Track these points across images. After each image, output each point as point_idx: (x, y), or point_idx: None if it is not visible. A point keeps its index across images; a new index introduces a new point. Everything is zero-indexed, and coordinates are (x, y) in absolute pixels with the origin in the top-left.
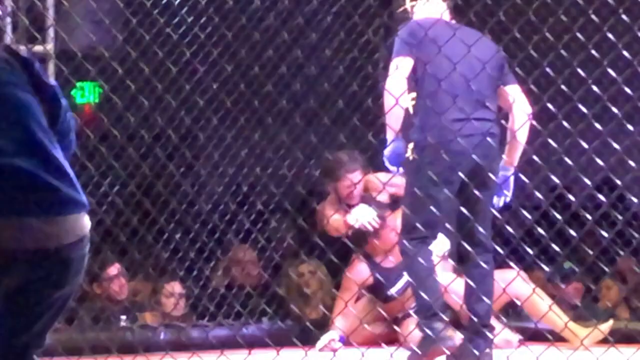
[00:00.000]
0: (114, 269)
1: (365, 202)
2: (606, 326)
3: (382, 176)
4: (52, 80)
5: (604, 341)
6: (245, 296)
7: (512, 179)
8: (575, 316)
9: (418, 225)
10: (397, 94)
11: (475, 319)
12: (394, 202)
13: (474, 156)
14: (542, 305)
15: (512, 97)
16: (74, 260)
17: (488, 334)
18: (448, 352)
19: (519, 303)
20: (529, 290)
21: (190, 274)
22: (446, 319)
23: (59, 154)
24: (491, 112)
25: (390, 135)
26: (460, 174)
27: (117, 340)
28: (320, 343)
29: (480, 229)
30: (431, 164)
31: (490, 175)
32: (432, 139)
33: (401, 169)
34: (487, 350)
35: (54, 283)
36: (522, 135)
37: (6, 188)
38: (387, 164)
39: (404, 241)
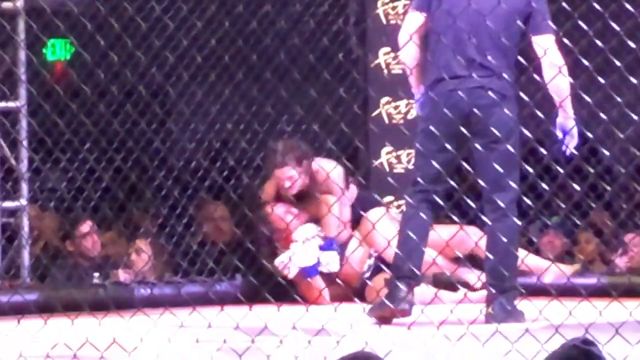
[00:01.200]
0: (86, 226)
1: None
2: (573, 268)
3: (325, 164)
4: None
5: (577, 295)
6: (217, 252)
7: (573, 130)
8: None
9: (417, 177)
10: (401, 48)
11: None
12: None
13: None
14: None
15: (539, 48)
16: None
17: (492, 290)
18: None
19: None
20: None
21: (163, 230)
22: (416, 284)
23: None
24: (486, 69)
25: (413, 87)
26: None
27: (89, 298)
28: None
29: (483, 184)
30: (423, 119)
31: (486, 127)
32: (424, 95)
33: None
34: (496, 309)
35: None
36: (555, 88)
37: None
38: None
39: (405, 195)
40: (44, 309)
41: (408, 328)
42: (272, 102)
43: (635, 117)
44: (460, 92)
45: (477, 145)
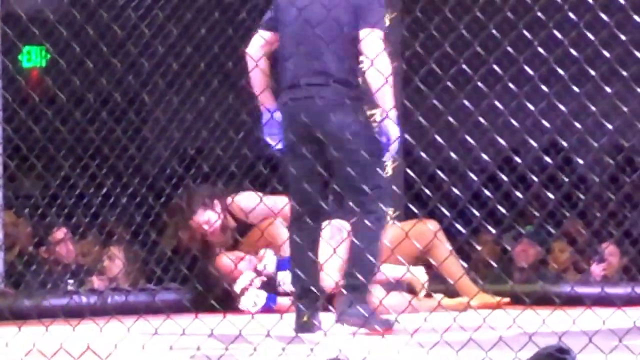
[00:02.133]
0: (60, 233)
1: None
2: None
3: (241, 198)
4: None
5: (550, 303)
6: (191, 260)
7: (387, 124)
8: (522, 278)
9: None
10: (249, 69)
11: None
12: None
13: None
14: (456, 270)
15: (363, 43)
16: None
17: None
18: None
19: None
20: (445, 251)
21: (137, 237)
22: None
23: None
24: (322, 74)
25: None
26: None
27: (63, 305)
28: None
29: (341, 188)
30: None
31: (327, 133)
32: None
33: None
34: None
35: None
36: (375, 84)
37: None
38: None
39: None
40: (18, 315)
41: (382, 336)
42: (247, 109)
43: (609, 127)
44: (299, 102)
45: (328, 151)
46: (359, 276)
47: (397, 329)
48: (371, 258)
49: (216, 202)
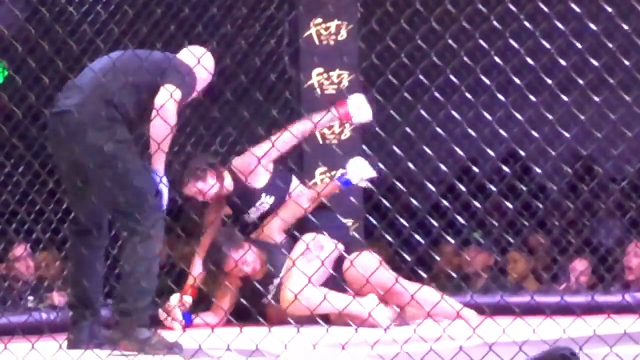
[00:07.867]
0: (19, 249)
1: None
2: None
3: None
4: None
5: (511, 313)
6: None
7: (162, 189)
8: (482, 287)
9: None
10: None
11: None
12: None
13: None
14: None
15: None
16: None
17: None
18: None
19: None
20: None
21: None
22: None
23: None
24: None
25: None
26: None
27: (22, 321)
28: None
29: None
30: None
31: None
32: None
33: None
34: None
35: None
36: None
37: None
38: None
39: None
40: None
41: (342, 348)
42: (205, 123)
43: (567, 135)
44: None
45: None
46: (130, 300)
47: (357, 340)
48: (141, 280)
49: (210, 171)
